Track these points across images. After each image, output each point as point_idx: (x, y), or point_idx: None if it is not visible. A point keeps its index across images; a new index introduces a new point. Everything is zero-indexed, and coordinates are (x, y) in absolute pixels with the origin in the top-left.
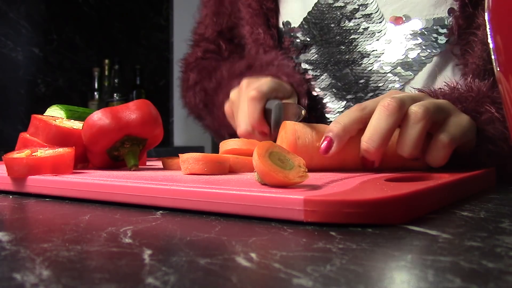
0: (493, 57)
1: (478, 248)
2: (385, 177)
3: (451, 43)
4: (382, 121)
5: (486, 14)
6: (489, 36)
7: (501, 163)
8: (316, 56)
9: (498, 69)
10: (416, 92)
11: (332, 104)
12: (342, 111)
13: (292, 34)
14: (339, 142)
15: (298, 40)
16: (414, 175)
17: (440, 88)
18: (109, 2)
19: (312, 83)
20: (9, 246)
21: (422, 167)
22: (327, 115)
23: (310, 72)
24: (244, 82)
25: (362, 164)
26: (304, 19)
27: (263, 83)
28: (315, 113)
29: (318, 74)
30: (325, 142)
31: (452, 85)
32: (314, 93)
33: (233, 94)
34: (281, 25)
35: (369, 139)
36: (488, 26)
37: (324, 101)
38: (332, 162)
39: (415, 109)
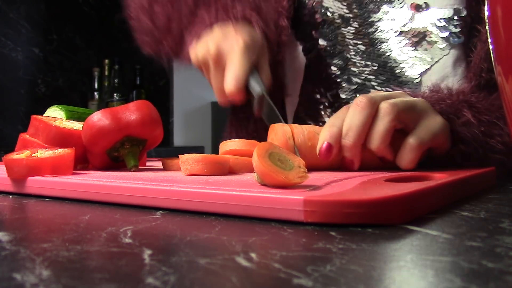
0: (491, 51)
1: (478, 248)
2: (385, 177)
3: (464, 37)
4: (355, 117)
5: (486, 8)
6: (487, 29)
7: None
8: (335, 33)
9: (497, 63)
10: (394, 91)
11: (348, 84)
12: (355, 88)
13: (313, 8)
14: (337, 144)
15: (317, 16)
16: (414, 175)
17: (424, 92)
18: (109, 2)
19: (328, 60)
20: (9, 246)
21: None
22: (342, 95)
23: (328, 49)
24: (211, 44)
25: (343, 165)
26: None
27: (238, 60)
28: (330, 92)
29: (337, 52)
30: (325, 148)
31: (434, 89)
32: (333, 69)
33: (201, 52)
34: None
35: (345, 135)
36: (487, 18)
37: (339, 80)
38: (323, 162)
39: (384, 105)
